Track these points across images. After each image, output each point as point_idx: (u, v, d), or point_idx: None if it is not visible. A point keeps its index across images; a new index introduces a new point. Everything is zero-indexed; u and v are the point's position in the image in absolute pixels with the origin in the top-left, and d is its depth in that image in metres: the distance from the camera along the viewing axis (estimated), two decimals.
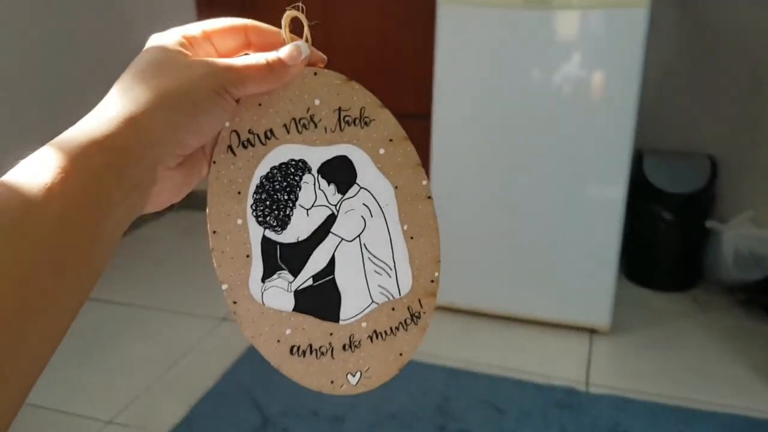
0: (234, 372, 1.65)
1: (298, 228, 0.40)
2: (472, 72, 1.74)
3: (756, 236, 1.95)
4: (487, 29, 1.69)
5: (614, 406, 1.54)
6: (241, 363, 1.68)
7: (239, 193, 0.39)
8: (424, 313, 0.41)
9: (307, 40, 0.39)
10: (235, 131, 0.39)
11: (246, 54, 0.39)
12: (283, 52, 0.38)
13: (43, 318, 0.28)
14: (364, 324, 0.41)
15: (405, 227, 0.40)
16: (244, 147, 0.39)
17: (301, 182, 0.40)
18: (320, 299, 0.41)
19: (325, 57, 0.39)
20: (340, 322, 0.41)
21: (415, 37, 2.15)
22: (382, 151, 0.40)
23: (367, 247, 0.40)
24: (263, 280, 0.40)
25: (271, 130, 0.39)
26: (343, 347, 0.41)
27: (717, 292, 2.05)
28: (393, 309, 0.41)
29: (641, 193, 1.98)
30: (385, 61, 2.31)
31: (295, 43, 0.38)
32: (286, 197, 0.40)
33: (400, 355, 0.42)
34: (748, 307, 1.96)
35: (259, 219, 0.40)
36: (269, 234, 0.40)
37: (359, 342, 0.41)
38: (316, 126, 0.39)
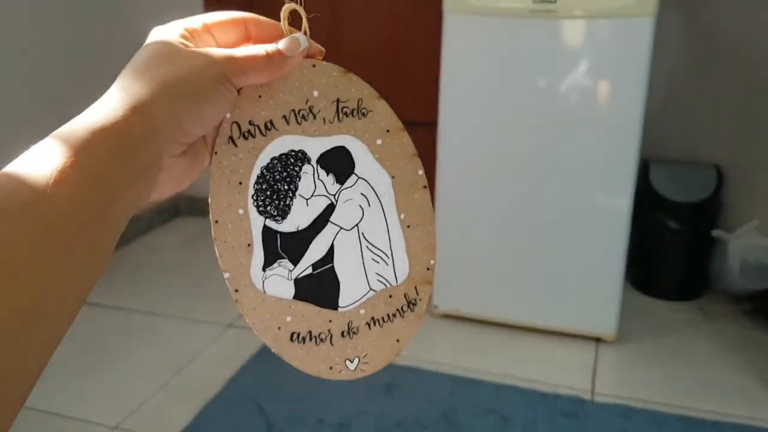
0: (240, 379, 1.65)
1: (298, 217, 0.41)
2: (479, 80, 1.75)
3: (762, 245, 1.95)
4: (493, 38, 1.70)
5: (620, 415, 1.53)
6: (246, 370, 1.68)
7: (240, 183, 0.40)
8: (420, 300, 0.42)
9: (305, 33, 0.39)
10: (236, 122, 0.39)
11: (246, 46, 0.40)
12: (282, 44, 0.39)
13: (52, 302, 0.28)
14: (362, 311, 0.42)
15: (402, 216, 0.41)
16: (245, 138, 0.40)
17: (301, 172, 0.40)
18: (320, 287, 0.41)
19: (323, 49, 0.40)
20: (339, 309, 0.42)
21: (422, 45, 2.16)
22: (379, 141, 0.41)
23: (365, 235, 0.41)
24: (264, 269, 0.41)
25: (271, 122, 0.40)
26: (342, 334, 0.42)
27: (723, 302, 2.04)
28: (390, 296, 0.42)
29: (647, 203, 1.98)
30: (392, 68, 2.32)
31: (293, 35, 0.39)
32: (286, 187, 0.40)
33: (397, 341, 0.42)
34: (754, 316, 1.95)
35: (260, 209, 0.40)
36: (270, 223, 0.41)
37: (357, 329, 0.42)
38: (314, 117, 0.40)
